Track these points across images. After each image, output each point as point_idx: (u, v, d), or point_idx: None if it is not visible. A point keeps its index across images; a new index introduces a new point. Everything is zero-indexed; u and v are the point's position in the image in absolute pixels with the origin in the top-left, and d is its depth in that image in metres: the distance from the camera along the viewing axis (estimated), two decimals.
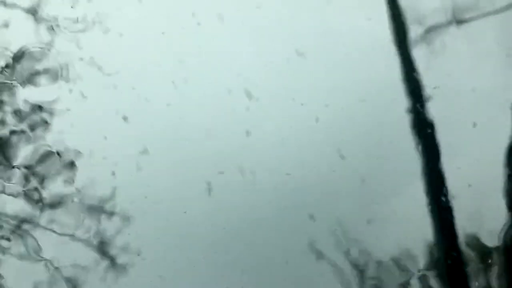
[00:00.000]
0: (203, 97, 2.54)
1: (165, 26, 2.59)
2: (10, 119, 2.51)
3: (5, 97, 2.53)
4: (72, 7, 2.60)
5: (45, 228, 2.42)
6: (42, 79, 2.54)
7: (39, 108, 2.51)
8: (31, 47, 2.56)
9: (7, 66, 2.54)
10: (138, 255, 2.41)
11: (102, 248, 2.42)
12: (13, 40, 2.55)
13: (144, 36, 2.59)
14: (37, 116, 2.51)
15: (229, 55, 2.57)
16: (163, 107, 2.54)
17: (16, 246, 2.41)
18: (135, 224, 2.43)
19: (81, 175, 2.47)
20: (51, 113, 2.51)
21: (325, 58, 2.55)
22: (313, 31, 2.58)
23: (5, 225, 2.42)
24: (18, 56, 2.55)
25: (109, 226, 2.43)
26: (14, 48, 2.55)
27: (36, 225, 2.42)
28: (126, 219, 2.43)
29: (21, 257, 2.40)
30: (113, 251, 2.42)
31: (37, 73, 2.55)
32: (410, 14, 2.58)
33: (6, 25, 2.56)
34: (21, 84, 2.53)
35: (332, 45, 2.56)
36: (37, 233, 2.42)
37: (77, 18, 2.59)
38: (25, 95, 2.54)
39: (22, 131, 2.49)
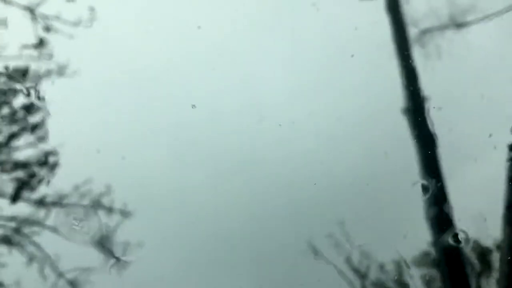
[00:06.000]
0: (207, 94, 2.54)
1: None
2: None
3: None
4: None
5: (46, 229, 2.40)
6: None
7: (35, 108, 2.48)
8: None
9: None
10: (140, 248, 2.41)
11: (104, 245, 2.41)
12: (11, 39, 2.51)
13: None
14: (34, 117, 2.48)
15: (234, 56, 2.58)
16: (165, 104, 2.53)
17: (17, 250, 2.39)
18: (136, 219, 2.43)
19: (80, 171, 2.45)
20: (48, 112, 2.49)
21: (326, 61, 2.57)
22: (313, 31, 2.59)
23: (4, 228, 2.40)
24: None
25: (109, 222, 2.43)
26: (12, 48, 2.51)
27: (37, 225, 2.40)
28: (127, 214, 2.42)
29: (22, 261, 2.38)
30: (114, 248, 2.41)
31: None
32: (408, 17, 2.60)
33: (4, 24, 2.52)
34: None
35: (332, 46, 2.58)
36: (38, 234, 2.40)
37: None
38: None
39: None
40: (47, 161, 2.45)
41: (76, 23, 2.54)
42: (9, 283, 2.35)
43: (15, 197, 2.40)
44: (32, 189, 2.42)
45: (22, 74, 2.50)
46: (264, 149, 2.50)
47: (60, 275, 2.37)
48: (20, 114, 2.48)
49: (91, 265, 2.39)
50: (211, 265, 2.42)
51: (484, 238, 2.38)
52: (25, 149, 2.46)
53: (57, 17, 2.54)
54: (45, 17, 2.54)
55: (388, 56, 2.57)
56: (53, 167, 2.45)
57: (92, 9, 2.55)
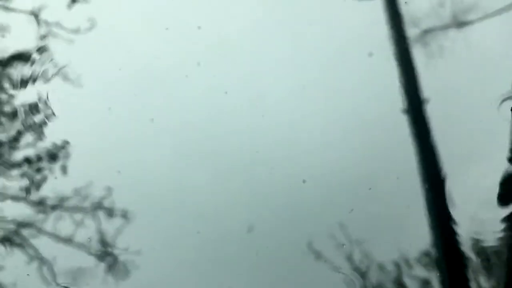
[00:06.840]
0: (207, 94, 2.54)
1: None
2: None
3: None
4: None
5: (45, 231, 2.41)
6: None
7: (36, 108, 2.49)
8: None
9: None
10: (140, 249, 2.41)
11: (104, 247, 2.41)
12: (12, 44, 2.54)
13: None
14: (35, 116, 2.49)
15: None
16: (165, 104, 2.54)
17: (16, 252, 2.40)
18: (135, 222, 2.43)
19: (81, 174, 2.46)
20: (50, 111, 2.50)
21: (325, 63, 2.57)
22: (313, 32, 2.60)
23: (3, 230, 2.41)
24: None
25: (109, 226, 2.43)
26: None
27: (36, 228, 2.40)
28: (126, 217, 2.43)
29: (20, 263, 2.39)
30: (113, 252, 2.41)
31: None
32: (407, 16, 2.60)
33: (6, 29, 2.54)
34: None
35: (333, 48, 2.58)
36: (37, 237, 2.41)
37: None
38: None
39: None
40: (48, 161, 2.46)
41: (76, 23, 2.56)
42: (6, 285, 2.36)
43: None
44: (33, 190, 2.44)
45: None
46: (265, 149, 2.50)
47: (59, 278, 2.37)
48: (22, 114, 2.50)
49: (90, 267, 2.39)
50: (211, 265, 2.42)
51: (484, 239, 2.37)
52: (25, 149, 2.48)
53: (58, 19, 2.56)
54: (47, 22, 2.56)
55: (388, 56, 2.56)
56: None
57: (92, 10, 2.57)
